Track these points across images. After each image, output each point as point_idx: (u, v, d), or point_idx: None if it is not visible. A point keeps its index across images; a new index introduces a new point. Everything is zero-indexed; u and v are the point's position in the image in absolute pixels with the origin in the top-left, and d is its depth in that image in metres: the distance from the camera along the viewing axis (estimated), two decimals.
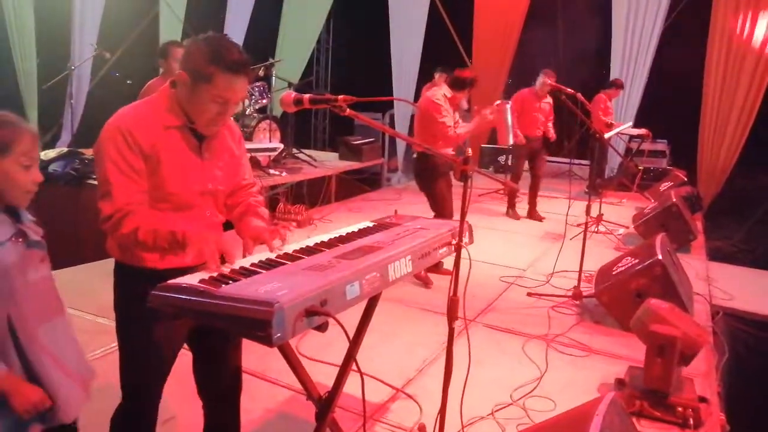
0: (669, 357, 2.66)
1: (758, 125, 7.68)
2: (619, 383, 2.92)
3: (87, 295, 3.72)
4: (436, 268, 4.52)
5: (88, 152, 5.94)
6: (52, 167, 5.42)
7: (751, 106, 7.63)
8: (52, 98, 7.45)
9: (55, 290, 1.67)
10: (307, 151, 7.64)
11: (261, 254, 1.68)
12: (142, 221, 1.64)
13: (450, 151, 4.48)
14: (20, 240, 1.54)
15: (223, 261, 1.60)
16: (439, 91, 4.46)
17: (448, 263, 2.01)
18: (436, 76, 6.61)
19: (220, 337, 1.89)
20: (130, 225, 1.64)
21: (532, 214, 6.85)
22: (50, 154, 5.72)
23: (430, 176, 4.48)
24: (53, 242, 1.75)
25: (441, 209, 4.50)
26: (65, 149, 6.04)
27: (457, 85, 4.49)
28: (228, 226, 1.94)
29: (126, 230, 1.64)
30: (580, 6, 9.23)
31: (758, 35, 7.48)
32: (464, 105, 4.90)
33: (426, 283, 4.45)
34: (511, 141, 4.74)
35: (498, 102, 4.51)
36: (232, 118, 1.90)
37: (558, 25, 9.69)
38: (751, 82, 7.59)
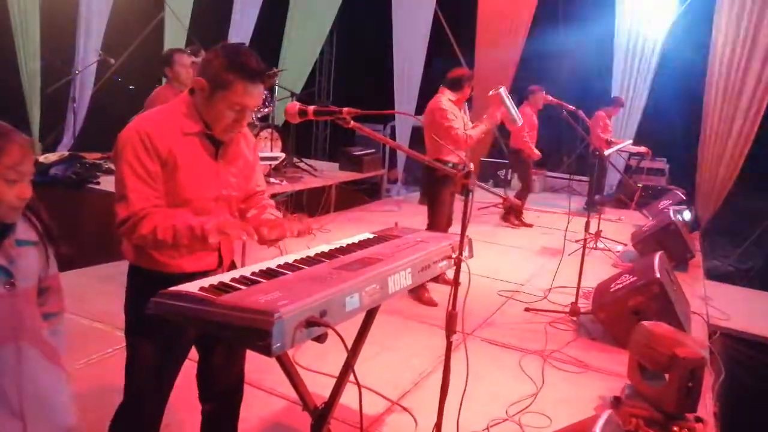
0: (678, 376, 2.64)
1: (757, 146, 7.72)
2: (615, 401, 2.91)
3: (84, 299, 3.71)
4: (436, 278, 4.49)
5: (90, 156, 5.96)
6: (53, 170, 5.43)
7: (750, 126, 7.68)
8: (55, 101, 7.47)
9: (12, 315, 1.46)
10: (307, 161, 7.65)
11: (260, 264, 1.68)
12: (159, 220, 1.66)
13: (462, 154, 4.43)
14: None
15: (233, 267, 1.61)
16: (443, 97, 4.43)
17: (449, 272, 2.01)
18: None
19: (227, 342, 1.90)
20: (149, 226, 1.65)
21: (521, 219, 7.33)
22: (51, 157, 5.72)
23: (436, 184, 4.44)
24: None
25: (437, 222, 4.44)
26: (66, 153, 6.05)
27: (454, 86, 4.45)
28: None
29: (145, 231, 1.65)
30: (582, 23, 9.31)
31: (758, 57, 7.54)
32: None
33: (431, 304, 4.34)
34: (520, 122, 4.67)
35: (491, 92, 4.43)
36: (246, 126, 1.93)
37: (560, 43, 9.77)
38: (750, 101, 7.65)
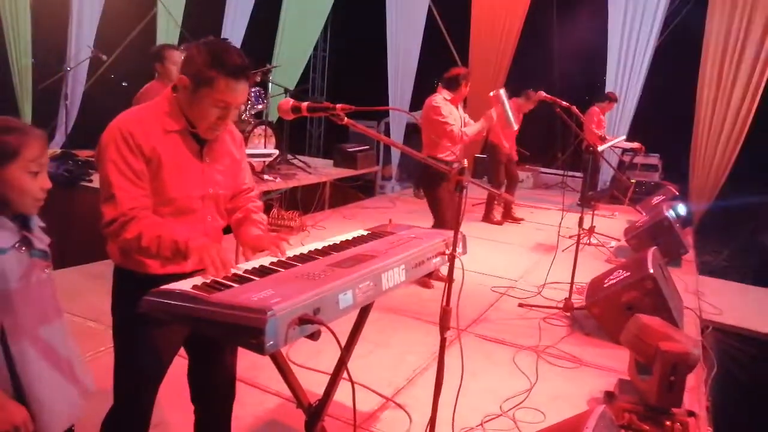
0: (661, 370, 2.66)
1: (749, 141, 7.76)
2: (609, 396, 2.92)
3: (76, 297, 3.69)
4: (430, 274, 4.54)
5: (82, 154, 5.92)
6: None
7: (743, 122, 7.71)
8: (46, 98, 7.42)
9: (54, 295, 1.61)
10: (301, 158, 7.64)
11: (254, 261, 1.67)
12: (145, 227, 1.63)
13: (457, 152, 4.55)
14: (24, 248, 1.50)
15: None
16: (438, 96, 4.53)
17: (443, 269, 2.02)
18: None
19: (217, 341, 1.89)
20: (134, 231, 1.63)
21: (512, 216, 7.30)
22: None
23: (432, 182, 4.52)
24: None
25: (438, 216, 4.55)
26: (58, 150, 6.01)
27: (451, 84, 4.54)
28: (227, 230, 1.94)
29: (129, 236, 1.63)
30: (575, 20, 9.32)
31: (750, 53, 7.57)
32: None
33: (426, 285, 4.57)
34: (516, 126, 4.73)
35: (492, 93, 4.49)
36: (232, 122, 1.91)
37: (553, 40, 9.78)
38: (743, 98, 7.67)
